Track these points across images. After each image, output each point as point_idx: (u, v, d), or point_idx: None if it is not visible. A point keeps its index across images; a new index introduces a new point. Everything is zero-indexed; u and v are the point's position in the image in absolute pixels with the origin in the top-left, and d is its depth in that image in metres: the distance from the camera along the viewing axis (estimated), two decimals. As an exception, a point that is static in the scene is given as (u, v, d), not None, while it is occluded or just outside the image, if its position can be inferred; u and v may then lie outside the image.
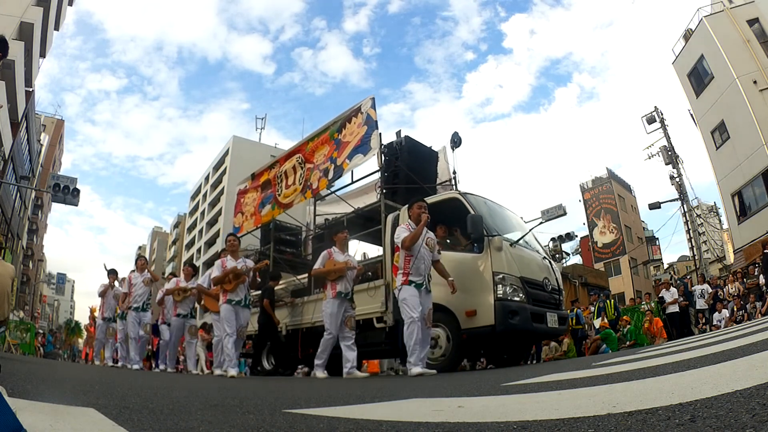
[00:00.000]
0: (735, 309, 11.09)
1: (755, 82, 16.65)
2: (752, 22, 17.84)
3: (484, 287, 5.32)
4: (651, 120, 21.44)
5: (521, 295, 5.37)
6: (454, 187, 7.44)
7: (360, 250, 8.50)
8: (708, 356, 2.06)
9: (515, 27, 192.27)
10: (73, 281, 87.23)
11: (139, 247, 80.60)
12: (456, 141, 7.55)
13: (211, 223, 48.62)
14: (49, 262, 49.75)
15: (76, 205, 18.79)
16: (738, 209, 18.31)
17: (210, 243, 46.84)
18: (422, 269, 4.88)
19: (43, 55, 23.48)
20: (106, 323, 8.88)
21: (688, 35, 20.21)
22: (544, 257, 6.44)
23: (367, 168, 8.06)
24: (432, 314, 4.98)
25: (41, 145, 29.80)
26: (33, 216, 32.56)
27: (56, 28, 25.32)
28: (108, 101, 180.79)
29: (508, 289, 5.28)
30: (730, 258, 24.65)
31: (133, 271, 8.50)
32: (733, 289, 11.74)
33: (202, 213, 51.52)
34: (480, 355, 6.93)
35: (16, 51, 17.56)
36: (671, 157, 20.38)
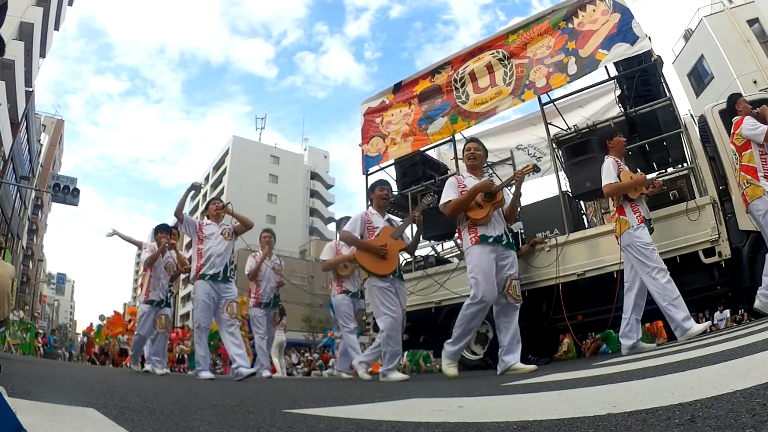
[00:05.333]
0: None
1: (755, 82, 16.65)
2: (752, 22, 17.84)
3: None
4: (651, 120, 21.41)
5: None
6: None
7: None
8: (708, 356, 2.06)
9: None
10: (73, 281, 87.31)
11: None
12: (659, 62, 6.37)
13: (211, 223, 48.62)
14: (49, 262, 49.78)
15: (76, 205, 18.80)
16: (738, 209, 18.29)
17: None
18: None
19: (43, 55, 23.48)
20: (154, 309, 5.84)
21: (688, 35, 20.22)
22: None
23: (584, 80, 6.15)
24: None
25: (41, 145, 29.81)
26: (33, 216, 32.55)
27: (56, 28, 25.33)
28: (111, 104, 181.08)
29: None
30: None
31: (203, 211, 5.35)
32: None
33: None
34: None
35: (16, 51, 17.58)
36: (671, 157, 20.37)
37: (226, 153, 48.60)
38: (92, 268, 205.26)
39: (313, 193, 51.74)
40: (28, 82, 20.36)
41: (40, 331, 22.48)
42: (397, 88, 7.70)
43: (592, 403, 1.35)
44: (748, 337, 2.63)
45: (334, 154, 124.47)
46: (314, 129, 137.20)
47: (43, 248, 40.78)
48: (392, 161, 7.26)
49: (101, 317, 17.69)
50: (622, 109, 5.90)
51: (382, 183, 4.83)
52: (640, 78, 5.60)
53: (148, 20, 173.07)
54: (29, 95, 20.99)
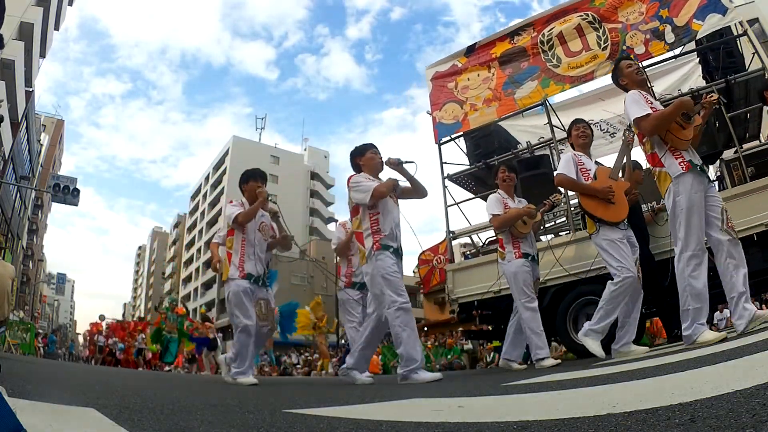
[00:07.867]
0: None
1: (755, 82, 16.65)
2: (752, 22, 17.82)
3: None
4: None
5: None
6: None
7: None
8: (708, 356, 2.06)
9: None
10: (73, 281, 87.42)
11: (139, 247, 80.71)
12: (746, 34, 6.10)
13: (211, 223, 48.59)
14: (49, 262, 49.81)
15: (76, 205, 18.79)
16: (738, 209, 18.27)
17: (210, 243, 46.86)
18: None
19: (43, 55, 23.50)
20: (252, 288, 3.91)
21: (688, 35, 20.21)
22: None
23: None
24: None
25: (41, 145, 29.82)
26: (33, 216, 32.54)
27: (56, 28, 25.36)
28: (113, 105, 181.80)
29: None
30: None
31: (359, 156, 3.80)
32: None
33: (202, 213, 51.50)
34: None
35: (16, 51, 17.59)
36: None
37: (226, 153, 48.59)
38: (92, 268, 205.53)
39: (313, 193, 51.72)
40: (28, 82, 20.37)
41: (40, 331, 22.49)
42: (471, 50, 7.22)
43: (592, 403, 1.35)
44: (748, 337, 2.63)
45: (335, 155, 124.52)
46: (314, 130, 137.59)
47: (43, 248, 40.80)
48: (461, 133, 6.84)
49: (101, 317, 17.71)
50: (707, 80, 5.83)
51: (579, 121, 4.07)
52: (724, 50, 5.59)
53: (149, 22, 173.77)
54: (29, 95, 21.00)
